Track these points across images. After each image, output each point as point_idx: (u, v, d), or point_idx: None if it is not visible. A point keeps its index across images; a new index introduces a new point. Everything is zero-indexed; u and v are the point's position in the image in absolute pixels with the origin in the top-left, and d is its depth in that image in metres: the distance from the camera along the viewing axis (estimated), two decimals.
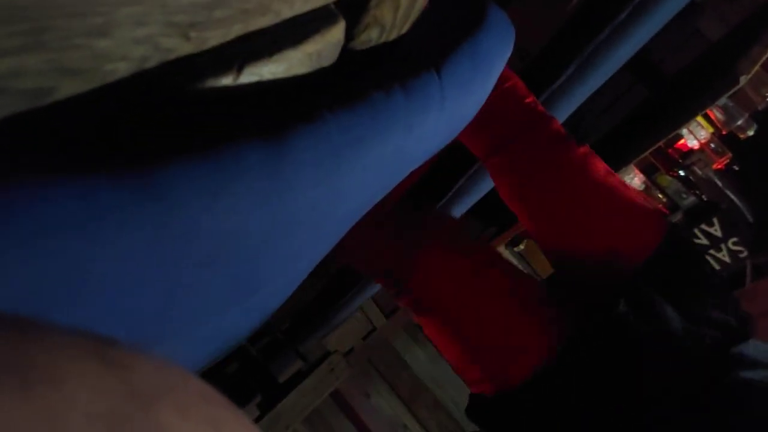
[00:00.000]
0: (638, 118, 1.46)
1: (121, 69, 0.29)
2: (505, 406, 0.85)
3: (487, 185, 1.17)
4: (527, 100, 0.98)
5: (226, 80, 0.34)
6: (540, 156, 0.95)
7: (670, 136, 1.66)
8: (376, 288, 1.44)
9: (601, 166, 0.95)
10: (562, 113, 1.10)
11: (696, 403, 0.72)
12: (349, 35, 0.40)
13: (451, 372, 2.25)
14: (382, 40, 0.42)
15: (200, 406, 0.19)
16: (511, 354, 0.86)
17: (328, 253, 0.56)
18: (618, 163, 1.59)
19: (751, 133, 1.96)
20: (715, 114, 1.93)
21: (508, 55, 0.54)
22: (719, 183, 2.19)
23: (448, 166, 1.18)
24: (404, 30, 0.43)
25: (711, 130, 2.01)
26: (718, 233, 2.20)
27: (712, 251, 2.21)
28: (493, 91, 0.54)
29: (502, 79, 0.94)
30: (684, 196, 2.15)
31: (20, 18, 0.24)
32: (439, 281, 0.94)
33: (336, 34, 0.38)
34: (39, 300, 0.28)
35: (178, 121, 0.33)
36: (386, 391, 2.09)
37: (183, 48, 0.31)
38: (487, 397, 0.87)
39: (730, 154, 2.08)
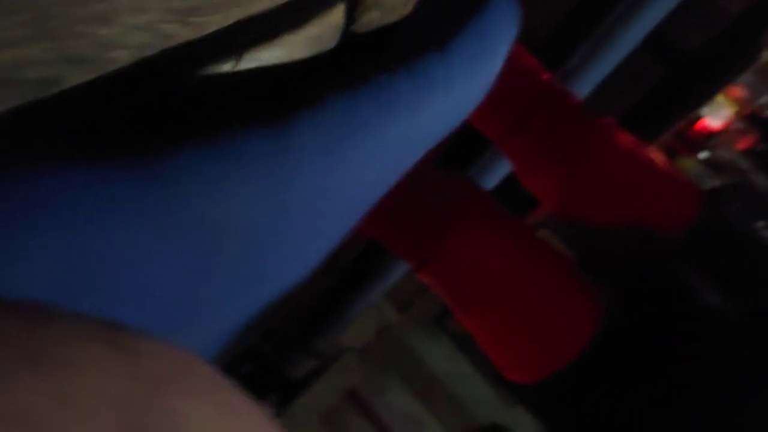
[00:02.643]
0: (656, 99, 1.42)
1: (123, 57, 0.29)
2: (553, 391, 0.82)
3: (499, 173, 1.15)
4: (543, 77, 0.95)
5: (227, 66, 0.34)
6: (562, 131, 0.91)
7: (691, 117, 1.62)
8: (388, 282, 1.44)
9: (627, 137, 0.91)
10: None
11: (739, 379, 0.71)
12: (350, 18, 0.39)
13: (468, 367, 2.24)
14: (384, 21, 0.42)
15: (209, 391, 0.19)
16: (555, 333, 0.81)
17: (340, 247, 0.56)
18: None
19: None
20: (738, 91, 1.88)
21: (515, 34, 0.54)
22: (744, 165, 2.14)
23: (459, 152, 1.16)
24: (406, 11, 0.43)
25: (734, 108, 1.96)
26: None
27: None
28: (506, 70, 0.53)
29: (515, 57, 0.92)
30: (707, 179, 2.10)
31: (22, 7, 0.24)
32: (478, 251, 0.87)
33: (336, 16, 0.37)
34: (51, 290, 0.28)
35: (180, 110, 0.33)
36: (402, 388, 2.09)
37: (182, 34, 0.31)
38: (531, 385, 0.84)
39: (755, 134, 2.03)
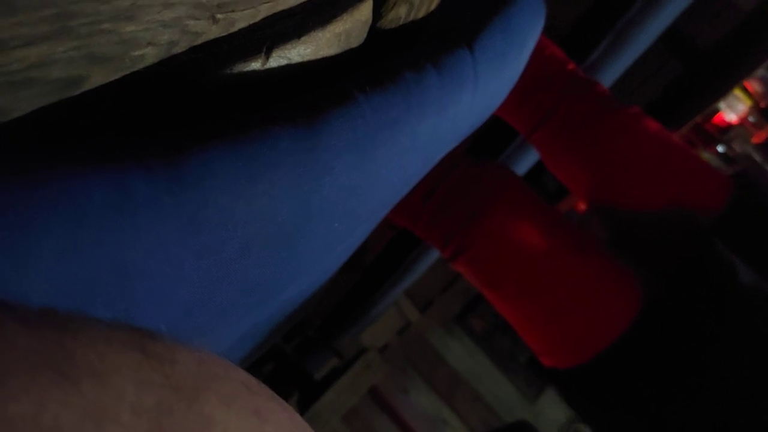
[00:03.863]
0: (674, 94, 1.42)
1: (149, 55, 0.29)
2: (591, 376, 0.81)
3: (525, 165, 1.14)
4: (568, 67, 0.95)
5: (255, 64, 0.33)
6: (591, 119, 0.91)
7: (708, 111, 1.62)
8: (410, 280, 1.43)
9: (654, 124, 0.91)
10: None
11: None
12: (377, 14, 0.39)
13: (489, 364, 2.23)
14: (411, 17, 0.41)
15: (244, 397, 0.18)
16: (595, 316, 0.80)
17: (362, 246, 0.55)
18: None
19: None
20: (754, 86, 1.87)
21: (540, 28, 0.53)
22: (759, 158, 2.13)
23: (484, 144, 1.15)
24: (433, 7, 0.42)
25: (749, 102, 1.95)
26: None
27: None
28: (531, 61, 0.52)
29: (539, 48, 0.91)
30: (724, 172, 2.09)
31: (45, 4, 0.24)
32: (513, 239, 0.86)
33: (364, 12, 0.36)
34: (80, 294, 0.27)
35: (208, 108, 0.32)
36: (424, 386, 2.08)
37: (211, 31, 0.30)
38: (568, 369, 0.83)
39: None
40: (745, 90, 1.89)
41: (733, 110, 1.97)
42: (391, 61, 0.39)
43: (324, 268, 0.50)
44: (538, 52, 0.90)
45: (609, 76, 1.06)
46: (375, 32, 0.39)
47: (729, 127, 2.01)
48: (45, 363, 0.14)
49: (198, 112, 0.31)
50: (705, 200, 0.86)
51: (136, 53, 0.28)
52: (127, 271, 0.29)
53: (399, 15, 0.39)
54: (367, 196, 0.41)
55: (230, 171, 0.31)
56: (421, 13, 0.42)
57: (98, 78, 0.28)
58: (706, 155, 2.07)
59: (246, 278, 0.36)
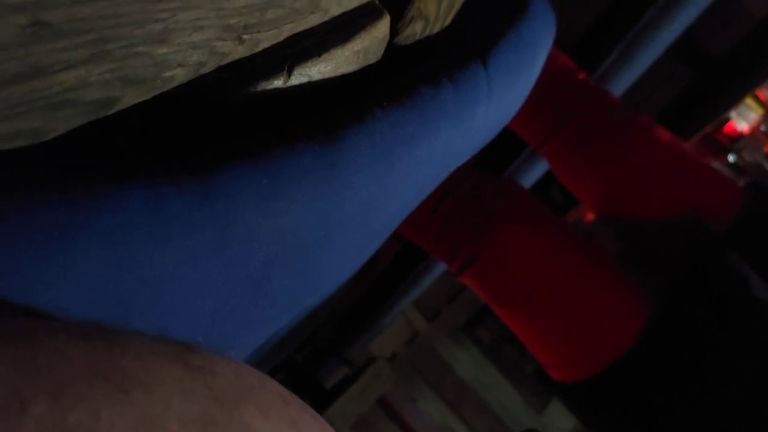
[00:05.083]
0: (684, 102, 1.42)
1: (179, 75, 0.30)
2: (600, 388, 0.81)
3: (533, 176, 1.15)
4: (579, 77, 0.95)
5: (277, 82, 0.34)
6: (602, 129, 0.92)
7: (718, 120, 1.62)
8: (418, 291, 1.44)
9: (666, 133, 0.92)
10: None
11: None
12: (393, 30, 0.40)
13: (496, 374, 2.23)
14: (426, 33, 0.42)
15: (280, 407, 0.19)
16: (603, 330, 0.81)
17: (373, 256, 0.56)
18: None
19: None
20: (765, 95, 1.86)
21: (551, 42, 0.54)
22: None
23: (493, 155, 1.15)
24: (447, 22, 0.43)
25: (761, 111, 1.94)
26: None
27: None
28: (542, 73, 0.53)
29: (550, 59, 0.91)
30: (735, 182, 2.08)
31: (85, 29, 0.25)
32: (522, 253, 0.87)
33: (381, 29, 0.37)
34: (114, 307, 0.28)
35: (233, 126, 0.33)
36: (432, 396, 2.08)
37: (237, 52, 0.31)
38: (577, 382, 0.84)
39: None
40: (756, 99, 1.88)
41: (744, 119, 1.96)
42: (407, 76, 0.40)
43: (339, 277, 0.51)
44: (548, 63, 0.91)
45: (620, 86, 1.06)
46: (391, 48, 0.40)
47: (740, 136, 2.00)
48: (98, 374, 0.15)
49: (223, 129, 0.32)
50: (716, 210, 0.86)
51: (167, 74, 0.29)
52: (159, 284, 0.30)
53: (415, 31, 0.41)
54: (383, 209, 0.42)
55: (256, 187, 0.32)
56: (436, 29, 0.43)
57: (130, 98, 0.29)
58: (716, 165, 2.07)
59: (269, 290, 0.37)
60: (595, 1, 1.12)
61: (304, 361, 1.45)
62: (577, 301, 0.83)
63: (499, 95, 0.46)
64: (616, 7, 1.06)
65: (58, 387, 0.14)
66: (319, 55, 0.35)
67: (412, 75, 0.40)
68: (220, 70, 0.32)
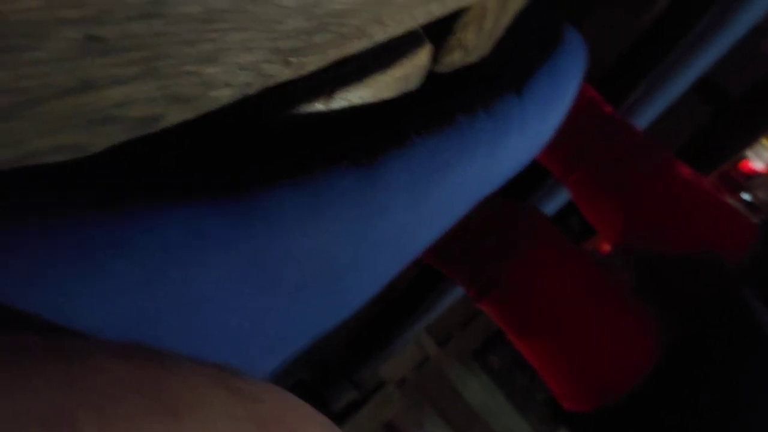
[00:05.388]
0: (701, 140, 1.43)
1: (225, 96, 0.30)
2: (610, 420, 0.81)
3: (556, 204, 1.15)
4: (605, 110, 0.96)
5: (319, 105, 0.34)
6: (625, 162, 0.92)
7: (735, 158, 1.62)
8: (433, 316, 1.43)
9: (686, 168, 0.92)
10: None
11: None
12: (434, 59, 0.40)
13: (506, 401, 2.20)
14: (465, 62, 0.42)
15: (317, 430, 0.19)
16: (618, 363, 0.81)
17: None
18: None
19: None
20: None
21: (582, 74, 0.54)
22: None
23: (516, 183, 1.16)
24: (486, 51, 0.43)
25: None
26: None
27: None
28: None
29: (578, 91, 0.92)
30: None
31: (137, 46, 0.25)
32: (544, 282, 0.87)
33: (423, 57, 0.38)
34: (145, 326, 0.28)
35: (274, 147, 0.33)
36: (440, 422, 2.06)
37: (283, 74, 0.31)
38: (587, 413, 0.83)
39: None
40: None
41: (759, 158, 1.96)
42: (445, 104, 0.40)
43: (363, 299, 0.51)
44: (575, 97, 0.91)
45: (643, 121, 1.07)
46: (430, 75, 0.40)
47: (755, 174, 2.00)
48: (146, 394, 0.15)
49: (264, 148, 0.32)
50: (732, 246, 0.87)
51: (213, 94, 0.29)
52: (192, 303, 0.29)
53: (454, 60, 0.41)
54: (414, 234, 0.42)
55: (295, 207, 0.32)
56: (474, 58, 0.43)
57: (175, 117, 0.29)
58: (730, 202, 2.05)
59: (299, 312, 0.37)
60: (621, 36, 1.13)
61: (313, 382, 1.44)
62: (595, 332, 0.83)
63: (532, 126, 0.46)
64: (643, 43, 1.07)
65: (108, 407, 0.14)
66: (361, 80, 0.35)
67: (449, 103, 0.40)
68: (264, 90, 0.32)
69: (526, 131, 0.46)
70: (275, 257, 0.31)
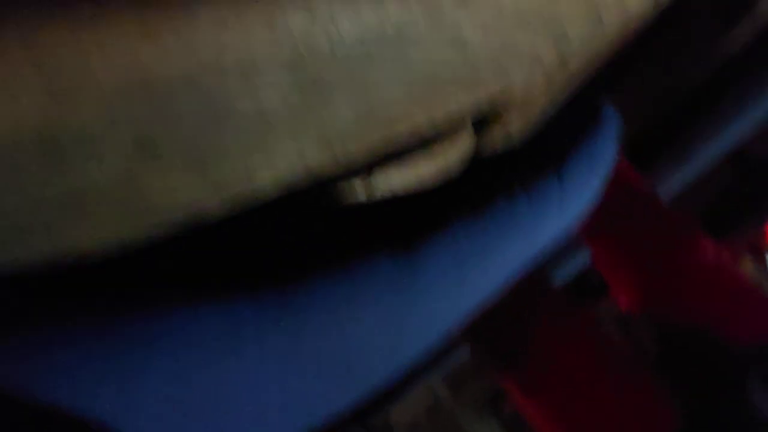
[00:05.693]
0: (725, 205, 1.42)
1: (269, 186, 0.29)
2: None
3: (577, 264, 1.14)
4: (632, 179, 0.96)
5: (360, 191, 0.34)
6: (649, 231, 0.92)
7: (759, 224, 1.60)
8: (449, 364, 1.41)
9: (708, 241, 0.92)
10: None
11: None
12: (476, 144, 0.39)
13: None
14: (506, 146, 0.42)
15: None
16: None
17: None
18: None
19: None
20: None
21: (617, 150, 0.53)
22: None
23: None
24: (526, 135, 0.43)
25: None
26: None
27: None
28: None
29: None
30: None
31: (187, 149, 0.25)
32: (566, 356, 0.86)
33: (466, 143, 0.37)
34: (186, 413, 0.27)
35: (313, 234, 0.33)
36: None
37: (325, 160, 0.31)
38: None
39: None
40: None
41: None
42: (485, 188, 0.39)
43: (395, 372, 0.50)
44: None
45: (670, 188, 1.07)
46: (472, 159, 0.40)
47: None
48: None
49: (304, 238, 0.32)
50: (750, 328, 0.86)
51: (258, 185, 0.29)
52: (227, 395, 0.29)
53: (495, 144, 0.40)
54: (452, 313, 0.41)
55: (330, 296, 0.31)
56: (514, 141, 0.42)
57: (218, 210, 0.28)
58: (751, 265, 2.04)
59: (324, 392, 0.36)
60: (649, 105, 1.13)
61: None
62: (607, 411, 0.83)
63: (570, 205, 0.46)
64: (672, 112, 1.07)
65: None
66: (404, 166, 0.34)
67: (489, 187, 0.39)
68: (309, 176, 0.32)
69: (565, 212, 0.45)
70: (311, 348, 0.31)
